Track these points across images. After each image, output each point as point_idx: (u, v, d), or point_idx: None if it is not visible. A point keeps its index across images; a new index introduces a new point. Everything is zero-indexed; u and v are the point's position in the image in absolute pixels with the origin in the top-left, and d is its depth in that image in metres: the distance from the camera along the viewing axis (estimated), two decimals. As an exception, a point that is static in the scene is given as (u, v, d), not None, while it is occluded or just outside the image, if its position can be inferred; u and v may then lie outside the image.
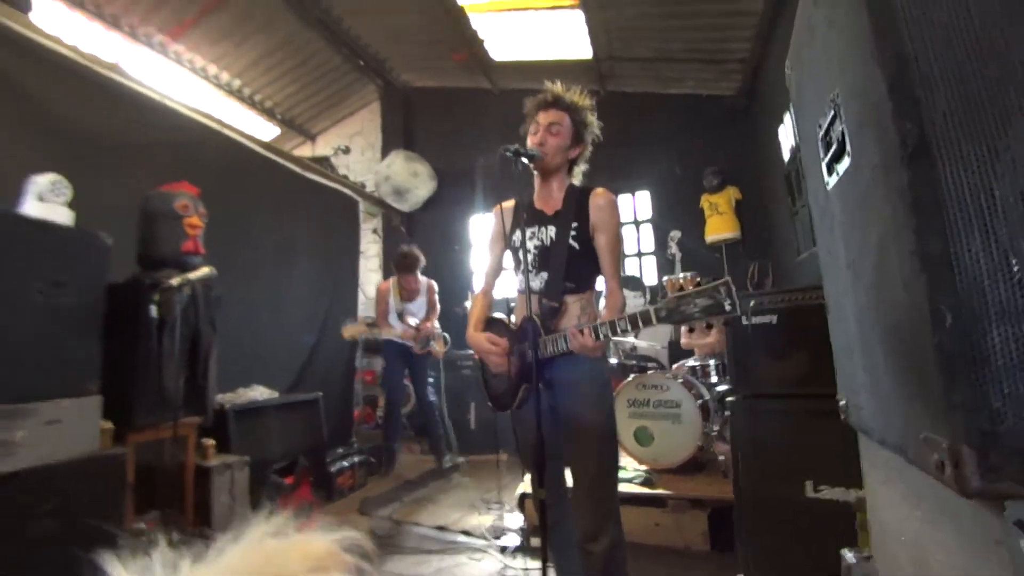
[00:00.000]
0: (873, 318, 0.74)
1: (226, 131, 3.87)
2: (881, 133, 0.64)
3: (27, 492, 1.73)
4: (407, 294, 4.13)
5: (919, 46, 0.63)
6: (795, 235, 4.34)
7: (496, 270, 1.83)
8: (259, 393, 3.20)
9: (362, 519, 3.23)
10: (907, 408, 0.65)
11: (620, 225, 1.67)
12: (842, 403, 1.02)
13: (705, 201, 5.51)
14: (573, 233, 1.60)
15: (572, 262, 1.59)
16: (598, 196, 1.64)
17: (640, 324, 1.32)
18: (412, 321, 4.13)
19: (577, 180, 1.74)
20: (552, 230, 1.63)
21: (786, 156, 4.34)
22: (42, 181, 2.27)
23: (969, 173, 0.58)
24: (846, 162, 0.79)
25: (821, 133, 0.89)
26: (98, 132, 2.98)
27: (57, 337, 1.97)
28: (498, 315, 1.77)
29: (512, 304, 1.86)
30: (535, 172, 1.69)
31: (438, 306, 4.34)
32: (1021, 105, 0.61)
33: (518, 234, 1.63)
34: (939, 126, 0.60)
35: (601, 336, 1.41)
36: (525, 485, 2.92)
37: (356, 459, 3.85)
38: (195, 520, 2.49)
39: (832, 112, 0.82)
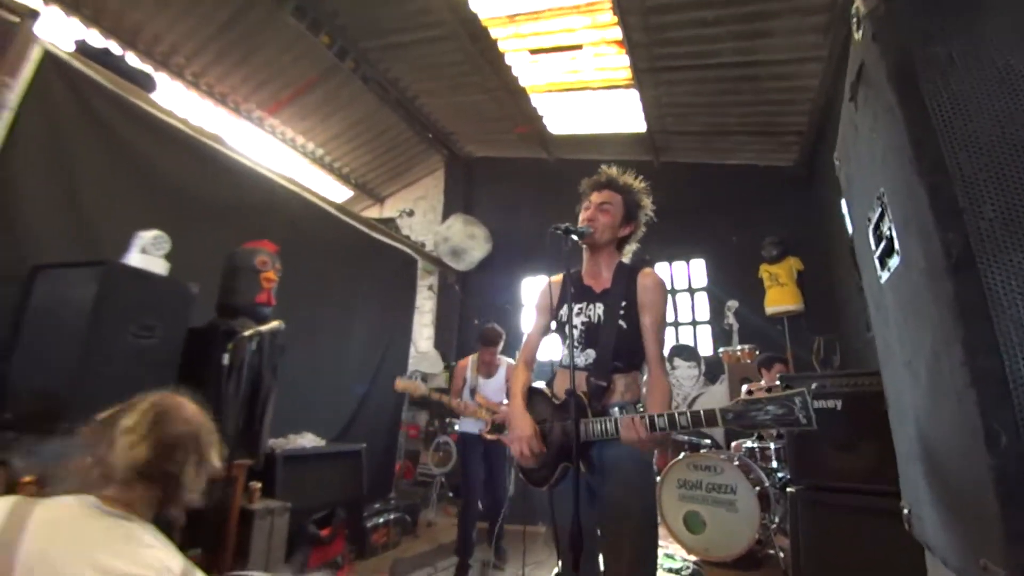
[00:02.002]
0: (931, 427, 0.70)
1: (306, 194, 4.27)
2: (926, 239, 0.64)
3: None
4: (485, 369, 3.86)
5: (962, 155, 0.64)
6: (863, 311, 4.09)
7: (538, 343, 1.82)
8: (308, 440, 3.29)
9: (394, 582, 3.15)
10: (966, 529, 0.60)
11: (666, 308, 1.65)
12: (905, 512, 0.94)
13: (764, 271, 5.35)
14: (622, 312, 1.59)
15: (621, 341, 1.57)
16: (646, 276, 1.64)
17: (703, 422, 1.26)
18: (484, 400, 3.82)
19: (627, 259, 1.76)
20: (600, 308, 1.63)
21: (850, 228, 4.19)
22: (146, 236, 2.57)
23: (1020, 284, 0.57)
24: (896, 260, 0.78)
25: (871, 227, 0.88)
26: (198, 194, 3.38)
27: (139, 374, 2.16)
28: (540, 385, 1.75)
29: (555, 370, 1.82)
30: (584, 247, 1.73)
31: None
32: (1078, 214, 0.60)
33: (565, 309, 1.64)
34: (986, 235, 0.59)
35: (656, 429, 1.34)
36: (557, 567, 2.77)
37: (392, 516, 3.80)
38: (233, 562, 2.53)
39: (879, 209, 0.82)
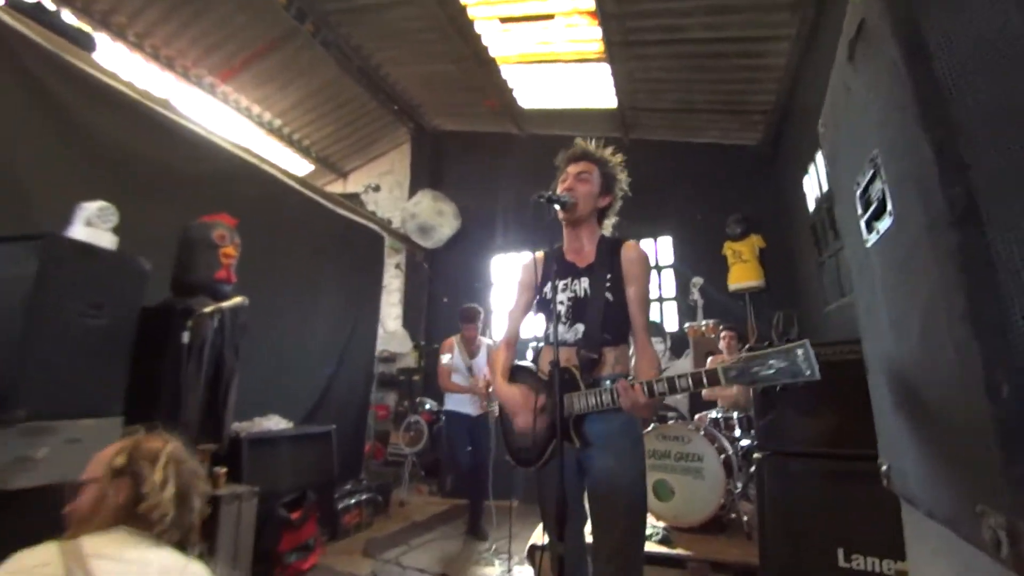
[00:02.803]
0: (920, 382, 0.72)
1: (264, 166, 4.05)
2: (926, 195, 0.64)
3: (43, 508, 1.73)
4: (471, 348, 3.89)
5: (963, 113, 0.64)
6: (821, 285, 4.27)
7: (520, 320, 1.79)
8: (275, 423, 3.20)
9: (366, 561, 3.14)
10: (960, 479, 0.62)
11: (650, 279, 1.65)
12: (884, 468, 0.97)
13: (728, 248, 5.49)
14: (608, 285, 1.58)
15: (608, 314, 1.57)
16: (630, 249, 1.63)
17: (705, 383, 1.24)
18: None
19: (607, 232, 1.75)
20: (586, 282, 1.62)
21: (811, 206, 4.34)
22: (91, 207, 2.38)
23: (1019, 237, 0.57)
24: (887, 221, 0.79)
25: (859, 191, 0.89)
26: (147, 163, 3.15)
27: (88, 357, 2.02)
28: (524, 363, 1.73)
29: (537, 348, 1.81)
30: (564, 223, 1.70)
31: None
32: (1070, 172, 0.61)
33: (548, 288, 1.63)
34: (986, 191, 0.60)
35: (656, 393, 1.33)
36: (537, 536, 2.81)
37: (364, 496, 3.77)
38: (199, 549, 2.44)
39: (872, 171, 0.82)
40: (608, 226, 1.77)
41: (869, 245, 0.87)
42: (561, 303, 1.62)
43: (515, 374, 1.71)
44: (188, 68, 5.17)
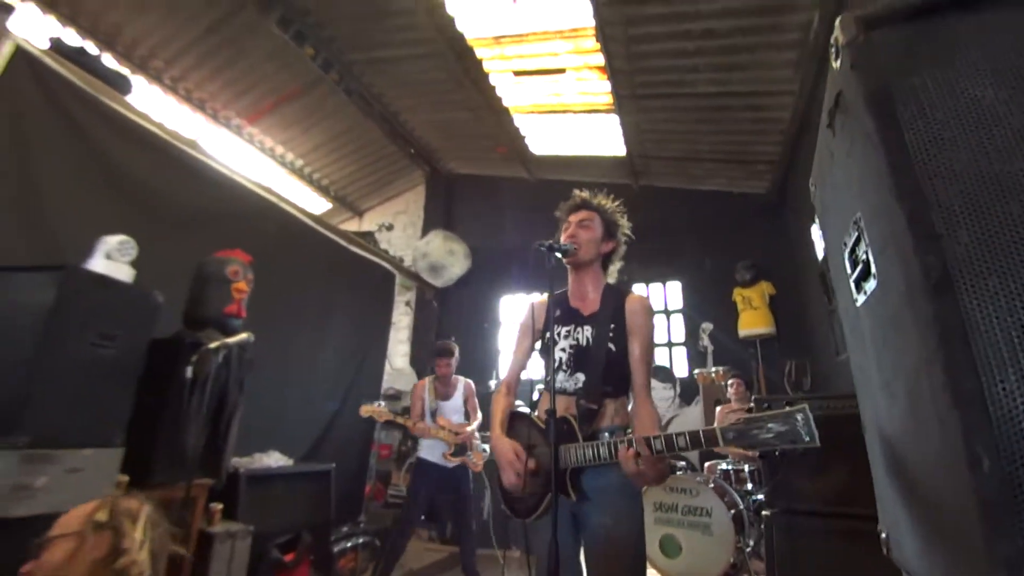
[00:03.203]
0: (909, 450, 0.71)
1: (282, 204, 4.19)
2: (905, 262, 0.65)
3: (38, 538, 1.72)
4: (442, 390, 3.66)
5: (938, 183, 0.66)
6: (833, 333, 4.21)
7: (522, 366, 1.77)
8: (274, 460, 3.16)
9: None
10: (949, 554, 0.60)
11: (654, 332, 1.62)
12: (883, 536, 0.94)
13: (738, 295, 5.46)
14: (611, 335, 1.56)
15: (611, 365, 1.53)
16: (634, 301, 1.61)
17: (703, 443, 1.20)
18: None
19: (612, 279, 1.75)
20: (589, 331, 1.59)
21: (820, 254, 4.33)
22: (112, 241, 2.47)
23: (998, 308, 0.58)
24: (873, 283, 0.80)
25: (847, 251, 0.90)
26: (170, 200, 3.28)
27: (95, 387, 2.05)
28: (524, 410, 1.70)
29: (539, 392, 1.76)
30: (569, 267, 1.70)
31: (479, 412, 3.66)
32: (1048, 242, 0.62)
33: (550, 333, 1.59)
34: (962, 260, 0.61)
35: (654, 451, 1.27)
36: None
37: (361, 540, 3.67)
38: (190, 590, 2.38)
39: (856, 233, 0.84)
40: (613, 272, 1.77)
41: (859, 305, 0.88)
42: (563, 350, 1.59)
43: (512, 421, 1.67)
44: (218, 110, 5.45)
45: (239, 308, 2.59)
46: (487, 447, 3.79)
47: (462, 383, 3.76)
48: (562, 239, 1.68)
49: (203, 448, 2.33)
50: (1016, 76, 0.70)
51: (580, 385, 1.55)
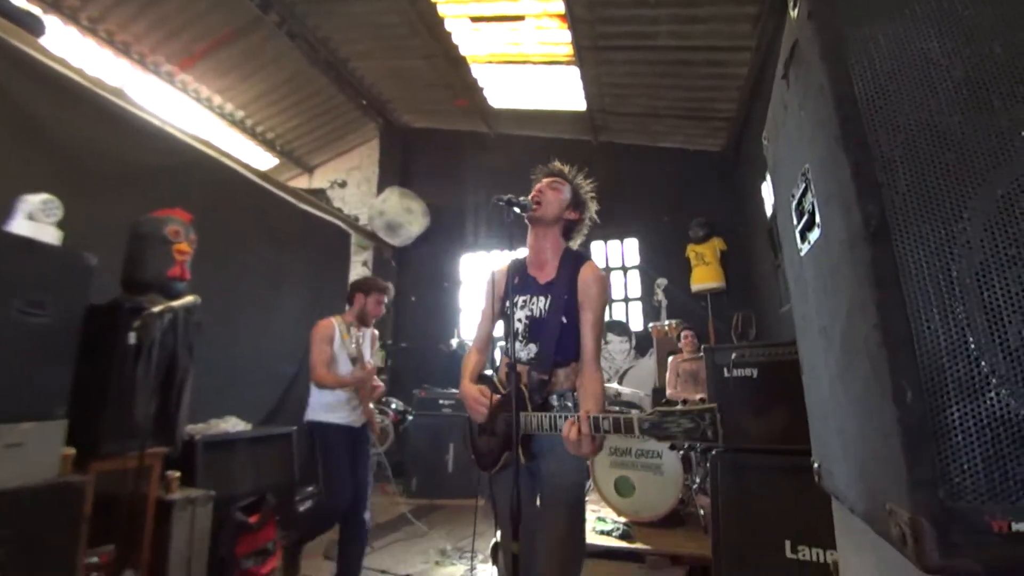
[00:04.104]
0: (843, 386, 0.76)
1: (223, 159, 3.92)
2: (847, 211, 0.68)
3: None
4: (355, 334, 2.89)
5: (882, 134, 0.68)
6: (779, 287, 4.44)
7: (488, 332, 1.85)
8: (232, 425, 3.11)
9: (327, 563, 3.09)
10: (874, 478, 0.66)
11: (606, 304, 1.70)
12: (816, 466, 1.03)
13: (691, 251, 5.64)
14: (564, 307, 1.62)
15: (563, 337, 1.60)
16: (589, 270, 1.64)
17: (623, 430, 1.28)
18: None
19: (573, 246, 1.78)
20: (543, 301, 1.64)
21: (769, 211, 4.50)
22: (33, 200, 2.26)
23: (928, 253, 0.62)
24: (817, 233, 0.83)
25: (794, 203, 0.93)
26: (97, 155, 3.01)
27: (29, 358, 1.92)
28: (489, 372, 1.78)
29: (500, 360, 1.84)
30: (529, 226, 1.71)
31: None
32: (974, 191, 0.66)
33: (508, 303, 1.67)
34: (899, 208, 0.64)
35: (585, 431, 1.35)
36: (498, 536, 2.83)
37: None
38: (151, 556, 2.37)
39: (803, 184, 0.86)
40: (575, 243, 1.80)
41: (802, 255, 0.92)
42: (519, 320, 1.65)
43: (479, 382, 1.75)
44: (145, 55, 4.95)
45: (182, 270, 2.45)
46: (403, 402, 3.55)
47: (372, 332, 3.07)
48: (532, 200, 1.68)
49: (155, 416, 2.26)
50: (960, 28, 0.72)
51: (533, 355, 1.62)
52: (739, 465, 2.27)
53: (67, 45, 4.36)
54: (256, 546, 2.91)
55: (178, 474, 2.55)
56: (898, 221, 0.62)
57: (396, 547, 3.44)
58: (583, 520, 1.63)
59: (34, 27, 2.88)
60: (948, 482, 0.54)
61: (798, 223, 0.91)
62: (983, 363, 0.57)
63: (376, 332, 3.14)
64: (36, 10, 3.33)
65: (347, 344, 2.86)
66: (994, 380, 0.56)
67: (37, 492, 1.82)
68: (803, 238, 0.90)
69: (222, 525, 2.73)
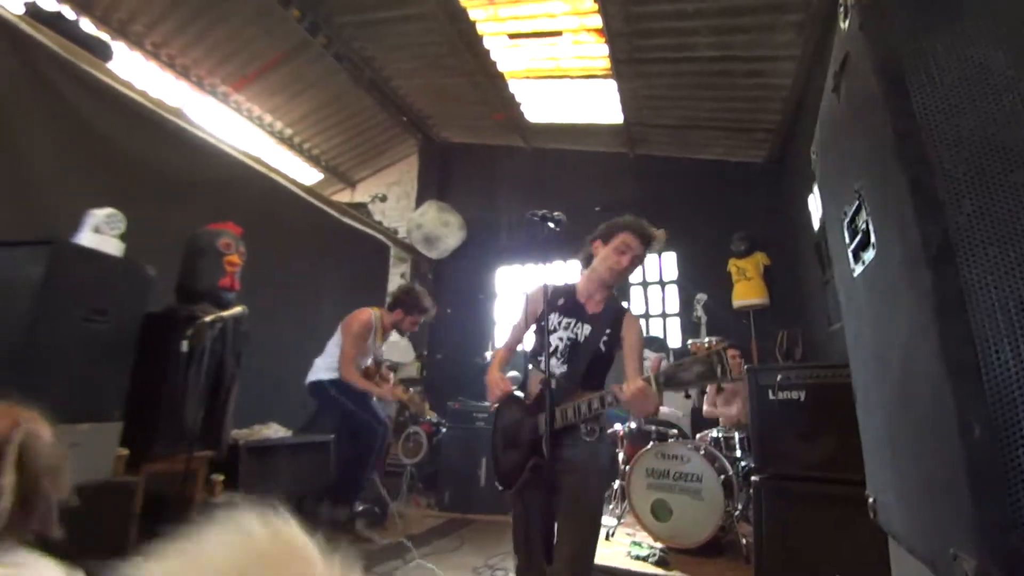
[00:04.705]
0: (901, 417, 0.71)
1: (273, 175, 4.11)
2: (905, 231, 0.64)
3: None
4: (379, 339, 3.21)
5: (943, 150, 0.65)
6: (827, 304, 4.24)
7: (519, 340, 1.94)
8: (274, 431, 3.20)
9: None
10: (936, 519, 0.61)
11: (643, 348, 1.78)
12: (871, 500, 0.96)
13: (732, 266, 5.47)
14: (605, 339, 1.70)
15: (595, 362, 1.69)
16: (631, 317, 1.76)
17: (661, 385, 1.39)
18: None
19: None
20: (587, 328, 1.72)
21: (816, 225, 4.32)
22: (99, 214, 2.43)
23: (996, 278, 0.58)
24: (871, 253, 0.79)
25: (847, 220, 0.89)
26: (157, 170, 3.21)
27: (90, 362, 2.05)
28: (518, 393, 1.81)
29: (528, 373, 1.90)
30: (592, 275, 1.80)
31: None
32: (1050, 211, 0.61)
33: (553, 318, 1.74)
34: (964, 229, 0.60)
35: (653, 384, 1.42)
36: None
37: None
38: (194, 559, 2.45)
39: (857, 202, 0.82)
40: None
41: (856, 275, 0.88)
42: (560, 339, 1.72)
43: (505, 403, 1.80)
44: (203, 77, 5.27)
45: (232, 281, 2.57)
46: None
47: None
48: (610, 254, 1.73)
49: (202, 421, 2.36)
50: (1025, 38, 0.68)
51: (565, 371, 1.70)
52: (784, 492, 2.16)
53: (132, 68, 4.70)
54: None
55: (222, 478, 2.65)
56: (963, 243, 0.58)
57: (428, 561, 3.44)
58: (596, 538, 1.66)
59: (103, 52, 3.12)
60: (1021, 527, 0.49)
61: (851, 242, 0.87)
62: (1062, 398, 0.52)
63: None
64: (105, 36, 3.60)
65: (377, 345, 3.08)
66: (1076, 417, 0.51)
67: (91, 491, 1.92)
68: (856, 258, 0.85)
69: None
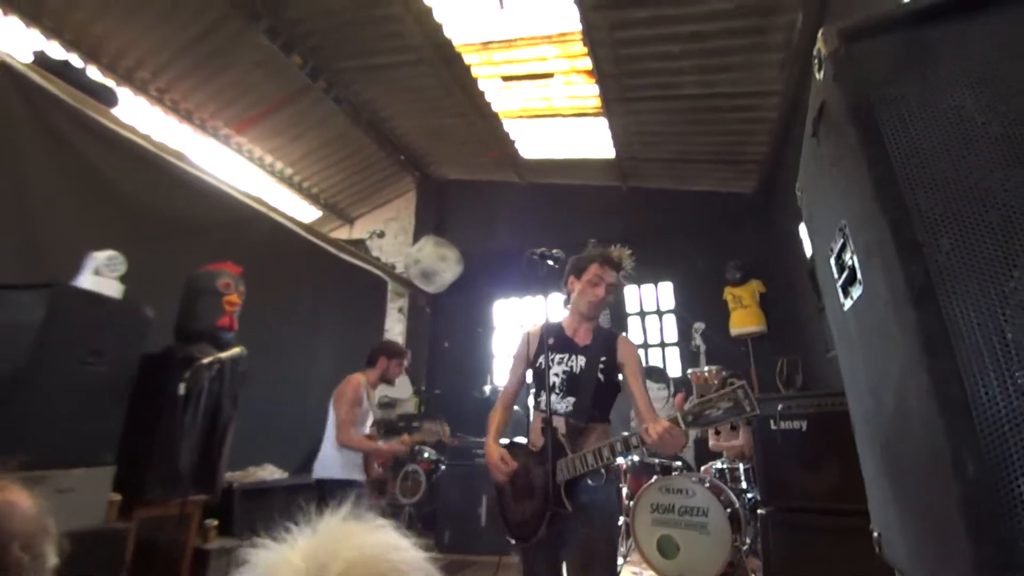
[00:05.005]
0: (897, 451, 0.72)
1: (272, 214, 4.17)
2: (888, 269, 0.66)
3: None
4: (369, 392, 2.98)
5: (920, 193, 0.68)
6: (823, 330, 4.24)
7: (517, 389, 1.90)
8: (269, 473, 3.15)
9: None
10: (937, 555, 0.61)
11: (641, 365, 1.78)
12: (875, 535, 0.95)
13: (728, 294, 5.51)
14: (601, 367, 1.68)
15: (599, 392, 1.67)
16: (625, 342, 1.76)
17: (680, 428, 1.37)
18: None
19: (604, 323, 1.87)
20: (582, 360, 1.71)
21: (808, 251, 4.38)
22: (100, 256, 2.46)
23: (979, 315, 0.60)
24: (859, 289, 0.82)
25: (833, 257, 0.92)
26: (159, 212, 3.26)
27: (87, 404, 2.03)
28: (520, 439, 1.79)
29: (530, 419, 1.87)
30: (568, 308, 1.82)
31: None
32: (1023, 248, 0.64)
33: (542, 358, 1.72)
34: (944, 268, 0.62)
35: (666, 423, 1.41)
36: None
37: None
38: (186, 607, 2.37)
39: (842, 240, 0.85)
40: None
41: (846, 309, 0.90)
42: (556, 375, 1.70)
43: (509, 448, 1.76)
44: (205, 120, 5.41)
45: (231, 321, 2.58)
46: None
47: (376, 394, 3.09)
48: (584, 289, 1.75)
49: (197, 464, 2.33)
50: (994, 84, 0.72)
51: (570, 408, 1.67)
52: (792, 525, 2.13)
53: (137, 113, 4.83)
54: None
55: (216, 523, 2.58)
56: (943, 281, 0.61)
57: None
58: None
59: (108, 99, 3.21)
60: (1017, 563, 0.49)
61: (839, 277, 0.89)
62: (1052, 432, 0.53)
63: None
64: (110, 83, 3.72)
65: (372, 405, 2.92)
66: (1066, 451, 0.52)
67: (83, 538, 1.87)
68: (845, 293, 0.88)
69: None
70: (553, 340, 1.76)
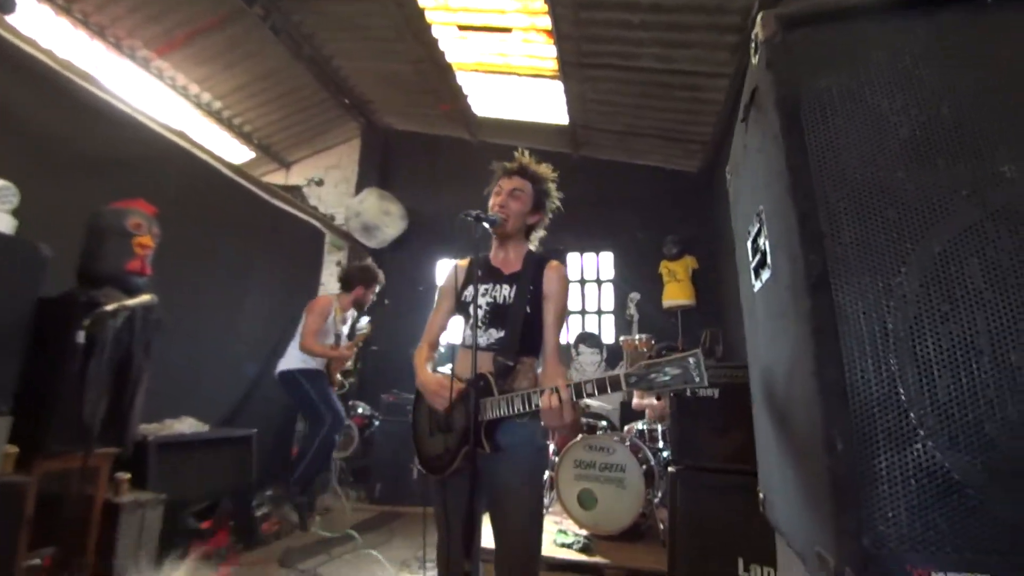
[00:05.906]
0: (782, 427, 0.79)
1: (195, 151, 3.82)
2: (792, 258, 0.70)
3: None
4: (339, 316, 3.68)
5: (829, 186, 0.71)
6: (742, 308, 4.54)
7: (442, 325, 1.79)
8: (188, 426, 3.01)
9: (281, 571, 3.01)
10: (807, 520, 0.69)
11: (567, 301, 1.69)
12: (761, 496, 1.05)
13: (664, 267, 5.74)
14: (529, 297, 1.60)
15: (527, 325, 1.58)
16: (553, 268, 1.65)
17: (608, 389, 1.27)
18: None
19: (534, 247, 1.77)
20: (508, 289, 1.62)
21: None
22: (-14, 185, 2.17)
23: (866, 305, 0.65)
24: (768, 273, 0.86)
25: (750, 240, 0.96)
26: (60, 140, 2.89)
27: (-28, 351, 1.84)
28: (444, 370, 1.69)
29: (457, 352, 1.75)
30: (493, 234, 1.71)
31: None
32: (914, 246, 0.69)
33: (470, 290, 1.63)
34: (841, 260, 0.67)
35: (563, 400, 1.32)
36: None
37: (286, 504, 3.61)
38: (96, 561, 2.28)
39: (758, 225, 0.89)
40: (535, 240, 1.80)
41: (755, 290, 0.95)
42: (480, 307, 1.61)
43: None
44: (121, 39, 4.79)
45: (143, 265, 2.38)
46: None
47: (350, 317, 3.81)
48: (491, 204, 1.68)
49: (105, 416, 2.18)
50: (913, 86, 0.75)
51: (494, 341, 1.58)
52: (697, 483, 2.31)
53: (38, 24, 4.19)
54: (208, 553, 2.82)
55: (128, 476, 2.46)
56: (839, 272, 0.65)
57: (355, 555, 3.38)
58: (539, 533, 1.59)
59: (4, 5, 2.77)
60: (872, 531, 0.56)
61: (752, 259, 0.94)
62: (912, 415, 0.59)
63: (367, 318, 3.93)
64: (5, -15, 3.19)
65: (336, 323, 3.45)
66: (922, 432, 0.59)
67: (-27, 491, 1.74)
68: (756, 275, 0.93)
69: (172, 530, 2.64)
70: (481, 272, 1.66)
